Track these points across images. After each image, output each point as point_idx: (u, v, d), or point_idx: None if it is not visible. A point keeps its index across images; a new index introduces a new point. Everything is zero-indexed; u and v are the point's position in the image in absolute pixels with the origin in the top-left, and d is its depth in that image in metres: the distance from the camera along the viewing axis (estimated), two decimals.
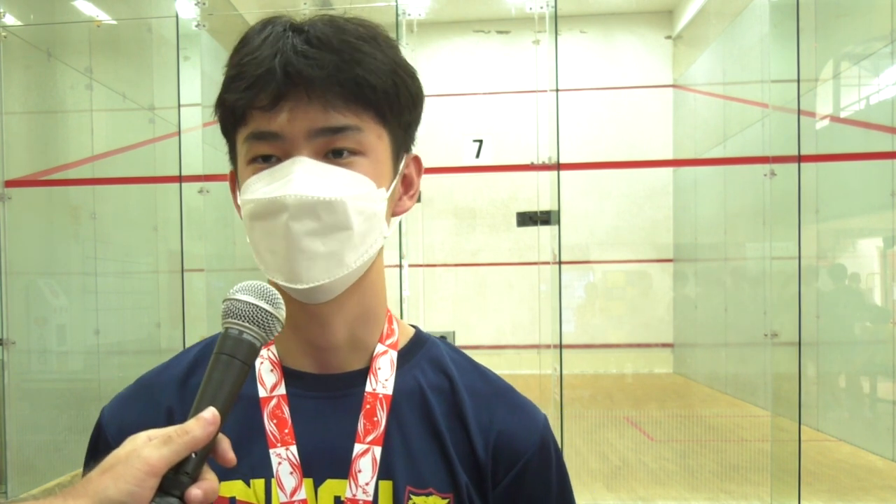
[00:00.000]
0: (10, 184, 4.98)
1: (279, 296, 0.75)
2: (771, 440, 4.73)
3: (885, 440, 5.83)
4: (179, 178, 4.88)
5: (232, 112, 0.80)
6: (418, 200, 0.95)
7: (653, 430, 7.02)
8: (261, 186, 0.78)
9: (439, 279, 10.32)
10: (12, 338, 4.97)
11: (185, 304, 4.91)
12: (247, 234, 0.83)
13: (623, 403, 8.47)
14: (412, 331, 0.94)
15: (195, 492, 0.65)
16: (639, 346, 10.08)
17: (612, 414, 7.68)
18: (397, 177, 0.86)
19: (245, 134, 0.80)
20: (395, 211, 0.87)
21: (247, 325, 0.72)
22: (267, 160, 0.79)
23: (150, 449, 0.64)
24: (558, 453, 0.91)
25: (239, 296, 0.73)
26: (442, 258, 10.21)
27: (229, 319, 0.72)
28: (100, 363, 5.95)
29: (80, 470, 0.76)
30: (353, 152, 0.80)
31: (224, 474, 0.77)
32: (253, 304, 0.72)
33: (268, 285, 0.75)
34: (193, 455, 0.66)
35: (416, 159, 0.90)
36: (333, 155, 0.79)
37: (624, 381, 9.85)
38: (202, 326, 4.96)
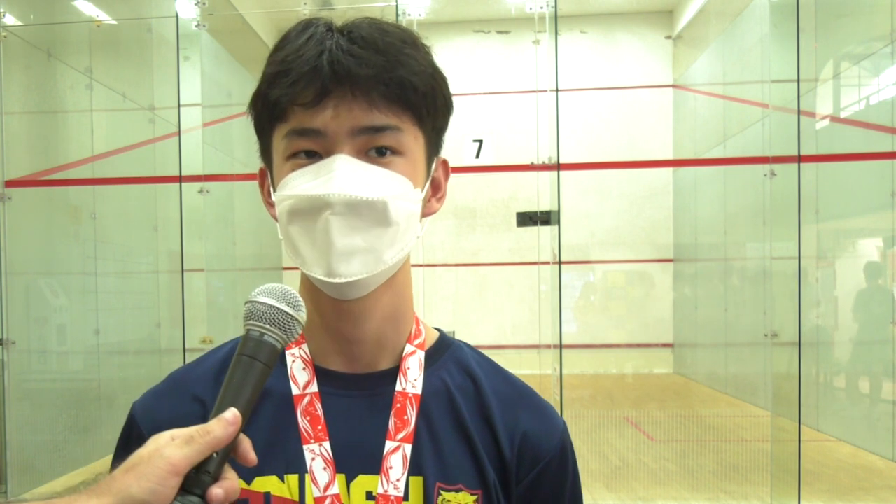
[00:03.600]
0: (10, 184, 4.98)
1: (300, 298, 0.76)
2: (771, 440, 4.73)
3: (885, 440, 5.83)
4: (179, 178, 4.88)
5: (273, 108, 0.81)
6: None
7: (653, 430, 7.02)
8: (301, 182, 0.80)
9: (439, 279, 10.31)
10: (12, 338, 4.97)
11: (185, 305, 4.90)
12: (281, 230, 0.84)
13: (623, 403, 8.47)
14: (437, 333, 0.97)
15: (216, 491, 0.67)
16: (639, 346, 10.07)
17: (612, 414, 7.68)
18: (429, 179, 0.88)
19: (285, 130, 0.81)
20: (425, 212, 0.88)
21: (268, 327, 0.73)
22: (309, 156, 0.81)
23: (172, 448, 0.66)
24: (574, 457, 0.94)
25: (260, 298, 0.74)
26: (442, 258, 10.20)
27: (250, 321, 0.74)
28: (100, 363, 5.95)
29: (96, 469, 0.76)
30: (393, 152, 0.82)
31: (259, 470, 0.80)
32: (274, 307, 0.74)
33: (289, 288, 0.76)
34: (215, 455, 0.68)
35: (445, 163, 0.92)
36: (375, 153, 0.81)
37: (624, 381, 9.84)
38: (202, 326, 4.96)
